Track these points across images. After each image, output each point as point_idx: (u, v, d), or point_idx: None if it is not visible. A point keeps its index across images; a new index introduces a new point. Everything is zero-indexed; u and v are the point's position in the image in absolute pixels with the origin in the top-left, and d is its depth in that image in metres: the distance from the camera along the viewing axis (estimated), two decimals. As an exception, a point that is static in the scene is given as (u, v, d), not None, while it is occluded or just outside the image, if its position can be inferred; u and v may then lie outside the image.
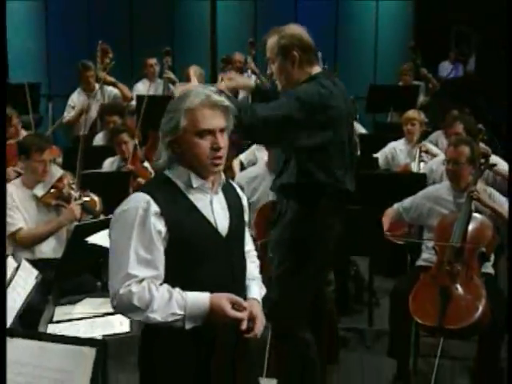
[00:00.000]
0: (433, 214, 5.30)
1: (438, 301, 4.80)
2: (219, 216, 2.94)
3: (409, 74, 10.54)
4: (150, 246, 2.76)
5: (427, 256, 5.31)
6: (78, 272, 4.92)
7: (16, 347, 2.58)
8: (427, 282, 4.97)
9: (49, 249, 5.27)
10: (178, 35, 11.92)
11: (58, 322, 3.95)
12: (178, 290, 2.76)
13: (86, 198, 5.37)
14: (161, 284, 2.78)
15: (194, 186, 2.87)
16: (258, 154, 6.96)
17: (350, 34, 12.40)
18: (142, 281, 2.74)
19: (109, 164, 6.90)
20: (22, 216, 5.24)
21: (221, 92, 3.10)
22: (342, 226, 4.12)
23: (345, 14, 12.44)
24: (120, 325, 3.83)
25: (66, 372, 2.52)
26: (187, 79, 9.42)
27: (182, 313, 2.73)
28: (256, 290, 3.09)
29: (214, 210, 2.92)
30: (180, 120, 2.81)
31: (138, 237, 2.76)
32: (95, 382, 2.50)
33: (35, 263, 4.84)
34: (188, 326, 2.76)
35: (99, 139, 8.07)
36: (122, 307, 2.78)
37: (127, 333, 3.75)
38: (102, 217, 5.34)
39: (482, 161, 5.23)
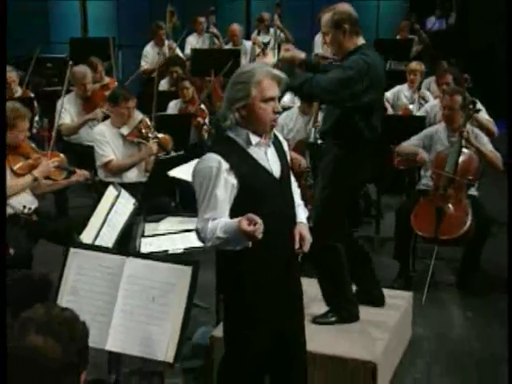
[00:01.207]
0: (433, 148, 5.26)
1: (434, 217, 4.86)
2: (273, 163, 2.94)
3: (405, 30, 10.39)
4: (217, 196, 2.77)
5: (425, 182, 5.31)
6: (158, 195, 4.98)
7: (132, 264, 2.67)
8: (426, 202, 5.01)
9: (133, 175, 5.32)
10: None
11: (148, 236, 3.99)
12: (225, 220, 2.77)
13: (161, 137, 5.38)
14: None
15: (253, 143, 2.86)
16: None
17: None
18: (206, 220, 2.79)
19: (173, 105, 6.85)
20: (111, 150, 5.26)
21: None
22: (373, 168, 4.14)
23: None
24: (196, 240, 3.88)
25: (170, 284, 2.62)
26: (231, 34, 9.39)
27: (224, 236, 2.73)
28: (302, 214, 3.10)
29: (269, 159, 2.92)
30: (251, 90, 2.80)
31: (210, 191, 2.78)
32: (192, 293, 2.61)
33: (124, 186, 4.96)
34: (237, 246, 2.77)
35: (164, 83, 8.01)
36: (199, 239, 2.89)
37: (202, 247, 3.81)
38: (173, 152, 5.38)
39: (471, 107, 5.20)
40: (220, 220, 2.76)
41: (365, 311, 4.09)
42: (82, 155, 5.98)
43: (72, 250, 2.76)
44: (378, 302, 4.19)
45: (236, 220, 2.69)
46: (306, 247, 2.97)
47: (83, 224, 4.34)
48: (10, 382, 1.74)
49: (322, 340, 3.68)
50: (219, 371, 3.10)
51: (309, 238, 2.99)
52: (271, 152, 2.95)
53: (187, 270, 2.60)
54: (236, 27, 9.30)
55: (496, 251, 5.23)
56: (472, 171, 5.03)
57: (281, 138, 3.10)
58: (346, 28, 3.84)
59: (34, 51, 7.89)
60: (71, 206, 6.44)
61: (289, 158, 3.12)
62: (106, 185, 5.07)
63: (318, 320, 3.97)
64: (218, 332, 3.84)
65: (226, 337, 3.03)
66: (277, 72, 2.90)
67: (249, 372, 3.00)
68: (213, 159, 2.80)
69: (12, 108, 4.51)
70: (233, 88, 2.87)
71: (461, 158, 5.01)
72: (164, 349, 2.54)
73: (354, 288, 4.14)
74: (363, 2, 12.20)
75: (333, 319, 4.02)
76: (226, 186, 2.78)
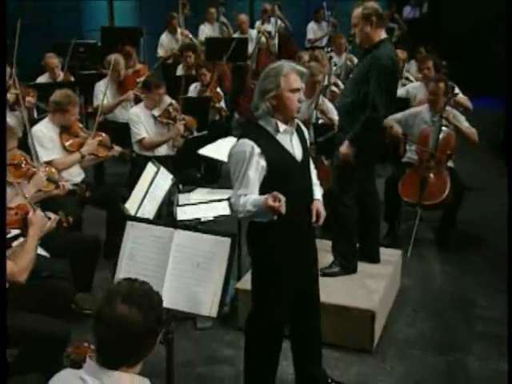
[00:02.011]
0: (415, 126, 5.22)
1: (419, 186, 4.89)
2: (297, 149, 2.93)
3: (386, 19, 10.19)
4: (249, 175, 2.78)
5: (410, 155, 5.29)
6: (186, 168, 4.96)
7: (180, 235, 2.66)
8: (411, 173, 5.03)
9: (163, 150, 5.31)
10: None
11: (182, 205, 3.97)
12: (255, 196, 2.78)
13: (187, 119, 5.34)
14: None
15: (281, 130, 2.85)
16: None
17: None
18: (239, 195, 2.81)
19: (193, 88, 6.77)
20: (144, 129, 5.23)
21: None
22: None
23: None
24: (223, 209, 3.87)
25: (212, 253, 2.61)
26: (239, 23, 9.21)
27: (253, 210, 2.75)
28: (318, 192, 3.10)
29: (293, 145, 2.92)
30: (280, 82, 2.80)
31: (243, 171, 2.79)
32: (231, 260, 2.63)
33: (155, 159, 4.94)
34: (264, 219, 2.78)
35: (180, 68, 7.89)
36: (232, 211, 2.91)
37: (229, 215, 3.83)
38: (195, 133, 5.36)
39: (450, 91, 5.17)
40: (250, 196, 2.77)
41: (363, 266, 4.15)
42: (117, 131, 5.92)
43: (129, 222, 2.76)
44: (375, 259, 4.24)
45: (264, 197, 2.70)
46: (321, 221, 2.99)
47: (122, 192, 4.38)
48: (102, 345, 1.78)
49: (329, 291, 3.69)
50: (247, 324, 3.11)
51: (323, 213, 3.00)
52: (295, 138, 2.95)
53: (227, 241, 2.60)
54: (243, 17, 9.15)
55: (468, 213, 5.27)
56: (450, 147, 5.03)
57: (302, 127, 3.07)
58: (373, 20, 3.87)
59: (69, 40, 7.76)
60: (107, 174, 6.44)
61: (308, 143, 3.10)
62: (140, 157, 5.14)
63: (324, 271, 3.99)
64: (241, 284, 3.91)
65: (253, 293, 3.05)
66: (300, 67, 2.90)
67: (273, 322, 3.03)
68: (247, 144, 2.80)
69: (65, 95, 4.47)
70: (264, 81, 2.86)
71: (441, 136, 5.00)
72: (208, 306, 2.56)
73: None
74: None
75: (336, 269, 4.09)
76: (257, 167, 2.79)
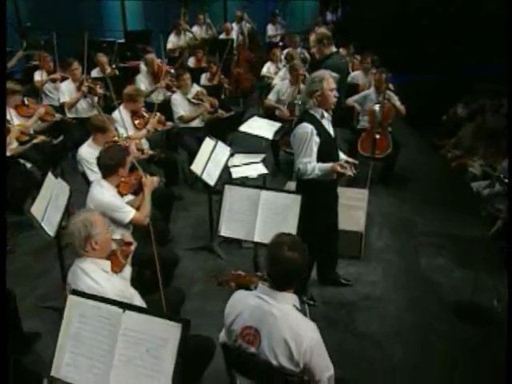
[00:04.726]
0: (366, 104, 5.20)
1: (371, 144, 4.94)
2: (330, 129, 2.94)
3: (320, 22, 9.98)
4: (311, 148, 2.78)
5: (363, 123, 5.29)
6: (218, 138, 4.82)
7: (265, 194, 2.63)
8: (365, 136, 5.06)
9: (195, 123, 5.07)
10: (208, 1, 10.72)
11: (231, 167, 3.87)
12: (320, 164, 2.80)
13: (211, 99, 5.13)
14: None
15: (326, 116, 2.86)
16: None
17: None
18: (305, 162, 2.80)
19: (204, 76, 6.48)
20: (182, 109, 5.02)
21: None
22: None
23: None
24: (260, 170, 3.84)
25: (287, 205, 2.61)
26: (225, 29, 8.73)
27: (320, 173, 2.78)
28: (342, 156, 3.12)
29: (329, 127, 2.93)
30: (323, 83, 2.79)
31: (306, 145, 2.78)
32: (301, 212, 2.62)
33: (189, 129, 4.77)
34: (327, 178, 2.82)
35: (191, 61, 7.48)
36: (299, 175, 2.87)
37: (267, 173, 3.78)
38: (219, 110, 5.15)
39: (389, 79, 5.19)
40: (315, 163, 2.79)
41: (350, 202, 4.19)
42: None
43: (226, 186, 2.73)
44: None
45: (330, 164, 2.74)
46: (350, 171, 2.99)
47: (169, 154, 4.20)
48: (276, 277, 1.80)
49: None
50: None
51: (349, 167, 3.03)
52: (330, 121, 2.96)
53: (297, 198, 2.62)
54: (228, 25, 8.76)
55: (401, 163, 5.31)
56: (391, 117, 5.08)
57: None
58: (324, 42, 3.85)
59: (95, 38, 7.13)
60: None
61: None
62: (181, 129, 4.97)
63: None
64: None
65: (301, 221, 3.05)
66: (335, 74, 2.93)
67: (316, 239, 3.06)
68: (307, 127, 2.80)
69: (135, 89, 4.30)
70: (311, 85, 2.84)
71: (384, 110, 5.05)
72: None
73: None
74: (292, 1, 11.55)
75: None
76: (315, 142, 2.80)
